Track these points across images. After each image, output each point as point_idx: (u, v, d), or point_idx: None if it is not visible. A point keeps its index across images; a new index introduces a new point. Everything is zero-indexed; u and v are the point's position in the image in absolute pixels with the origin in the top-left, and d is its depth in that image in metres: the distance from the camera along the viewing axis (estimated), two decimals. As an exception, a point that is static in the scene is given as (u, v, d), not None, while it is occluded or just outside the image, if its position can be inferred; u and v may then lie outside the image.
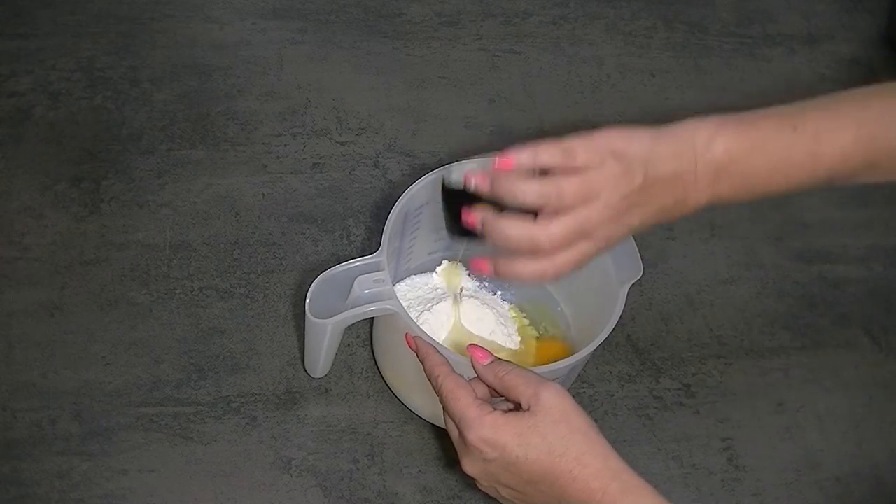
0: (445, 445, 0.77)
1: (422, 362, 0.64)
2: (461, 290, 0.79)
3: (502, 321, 0.77)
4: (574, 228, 0.58)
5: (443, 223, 0.65)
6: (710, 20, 1.11)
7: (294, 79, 0.97)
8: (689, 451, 0.80)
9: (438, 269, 0.82)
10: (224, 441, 0.75)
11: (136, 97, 0.93)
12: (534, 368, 0.62)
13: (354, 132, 0.94)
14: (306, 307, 0.65)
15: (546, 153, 0.59)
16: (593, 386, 0.83)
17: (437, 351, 0.64)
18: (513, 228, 0.58)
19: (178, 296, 0.82)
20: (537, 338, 0.80)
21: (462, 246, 0.80)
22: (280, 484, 0.74)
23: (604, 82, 1.03)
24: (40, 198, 0.85)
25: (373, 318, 0.74)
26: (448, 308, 0.77)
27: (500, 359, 0.61)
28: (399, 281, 0.80)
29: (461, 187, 0.62)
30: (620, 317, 0.69)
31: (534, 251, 0.59)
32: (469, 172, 0.61)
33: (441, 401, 0.60)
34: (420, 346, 0.64)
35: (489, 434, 0.56)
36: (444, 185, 0.64)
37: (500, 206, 0.60)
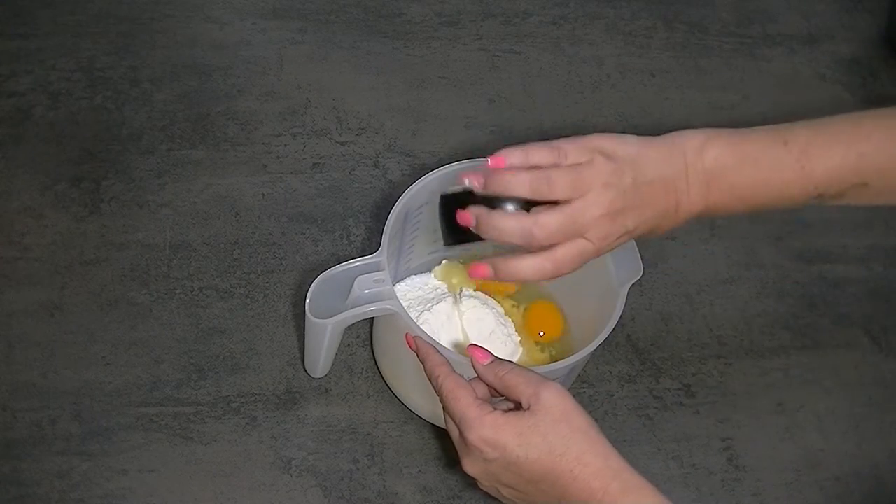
0: (445, 445, 0.77)
1: (422, 362, 0.64)
2: (461, 290, 0.79)
3: (502, 321, 0.77)
4: (566, 220, 0.58)
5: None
6: (710, 20, 1.11)
7: (294, 79, 0.97)
8: (689, 451, 0.80)
9: (436, 268, 0.82)
10: (224, 441, 0.75)
11: (136, 97, 0.93)
12: (534, 368, 0.62)
13: (354, 132, 0.94)
14: (306, 307, 0.65)
15: (537, 153, 0.60)
16: (593, 386, 0.83)
17: (438, 351, 0.64)
18: (505, 220, 0.59)
19: (178, 296, 0.82)
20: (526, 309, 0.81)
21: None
22: (280, 484, 0.74)
23: (604, 82, 1.03)
24: (40, 198, 0.85)
25: (373, 318, 0.74)
26: (448, 308, 0.77)
27: (499, 358, 0.61)
28: (399, 281, 0.80)
29: (457, 191, 0.62)
30: (620, 317, 0.69)
31: (528, 241, 0.59)
32: (463, 172, 0.62)
33: (441, 401, 0.60)
34: (420, 347, 0.64)
35: (489, 434, 0.56)
36: (441, 196, 0.64)
37: (494, 206, 0.60)
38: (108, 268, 0.82)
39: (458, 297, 0.78)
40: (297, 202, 0.89)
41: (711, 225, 0.94)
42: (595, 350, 0.68)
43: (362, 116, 0.96)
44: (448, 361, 0.62)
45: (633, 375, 0.84)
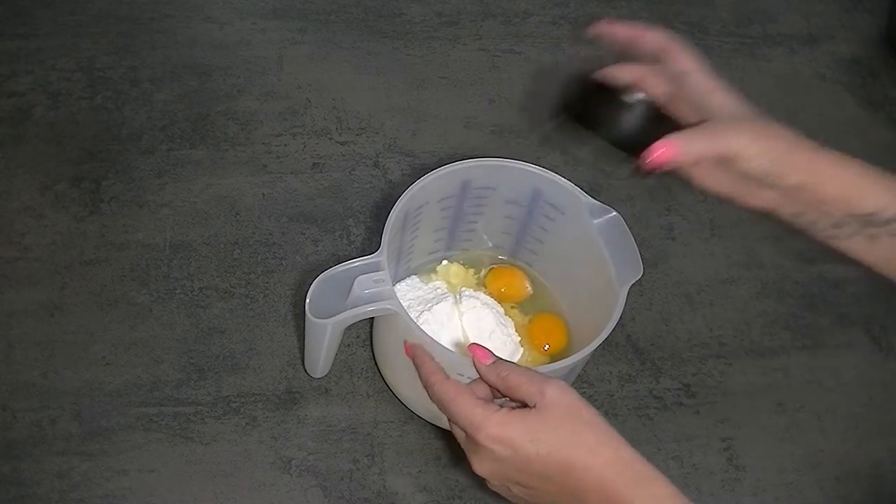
0: (445, 445, 0.77)
1: (417, 370, 0.63)
2: (461, 290, 0.79)
3: (502, 321, 0.77)
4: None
5: (441, 223, 0.66)
6: (710, 20, 1.11)
7: (294, 79, 0.97)
8: (689, 451, 0.80)
9: (438, 268, 0.82)
10: (224, 441, 0.75)
11: (136, 97, 0.93)
12: (535, 368, 0.62)
13: (354, 132, 0.94)
14: (306, 307, 0.65)
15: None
16: (593, 386, 0.83)
17: (433, 358, 0.63)
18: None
19: (178, 296, 0.82)
20: (530, 319, 0.81)
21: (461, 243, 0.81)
22: (280, 484, 0.74)
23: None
24: (40, 198, 0.85)
25: (373, 318, 0.74)
26: (448, 308, 0.77)
27: (501, 358, 0.61)
28: (399, 281, 0.80)
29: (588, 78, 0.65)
30: (620, 317, 0.69)
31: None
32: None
33: (443, 408, 0.60)
34: (416, 354, 0.64)
35: (498, 431, 0.56)
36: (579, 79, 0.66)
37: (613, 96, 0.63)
38: (108, 268, 0.82)
39: (458, 297, 0.78)
40: (297, 202, 0.89)
41: (711, 225, 0.94)
42: (595, 350, 0.68)
43: (362, 116, 0.96)
44: (442, 369, 0.62)
45: (633, 375, 0.84)
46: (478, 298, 0.78)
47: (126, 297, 0.81)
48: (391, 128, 0.95)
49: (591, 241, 0.73)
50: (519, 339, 0.78)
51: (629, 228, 0.72)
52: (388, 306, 0.66)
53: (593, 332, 0.69)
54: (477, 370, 0.61)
